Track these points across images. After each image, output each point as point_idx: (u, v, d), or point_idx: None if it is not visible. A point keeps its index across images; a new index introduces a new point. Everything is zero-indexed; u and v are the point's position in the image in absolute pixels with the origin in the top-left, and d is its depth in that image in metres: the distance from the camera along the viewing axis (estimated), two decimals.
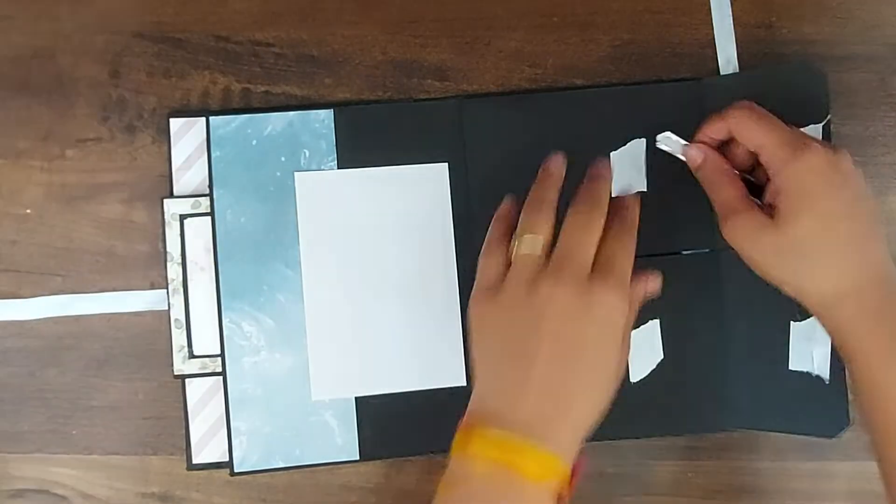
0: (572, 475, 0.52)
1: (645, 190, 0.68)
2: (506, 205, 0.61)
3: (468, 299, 0.60)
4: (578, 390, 0.52)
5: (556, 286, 0.53)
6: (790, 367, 0.68)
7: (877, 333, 0.55)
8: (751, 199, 0.59)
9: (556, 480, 0.50)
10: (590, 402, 0.53)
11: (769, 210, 0.57)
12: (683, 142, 0.64)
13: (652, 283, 0.59)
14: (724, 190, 0.60)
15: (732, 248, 0.60)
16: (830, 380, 0.68)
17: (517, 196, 0.61)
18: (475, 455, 0.50)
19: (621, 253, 0.55)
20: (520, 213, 0.58)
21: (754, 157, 0.60)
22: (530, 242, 0.55)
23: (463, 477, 0.51)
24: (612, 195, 0.59)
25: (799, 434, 0.68)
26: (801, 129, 0.61)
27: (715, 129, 0.61)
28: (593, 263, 0.54)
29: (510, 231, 0.58)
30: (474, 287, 0.58)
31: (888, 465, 0.55)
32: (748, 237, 0.58)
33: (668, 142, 0.65)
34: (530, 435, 0.50)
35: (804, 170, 0.55)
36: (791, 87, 0.69)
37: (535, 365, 0.52)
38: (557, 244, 0.55)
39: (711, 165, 0.61)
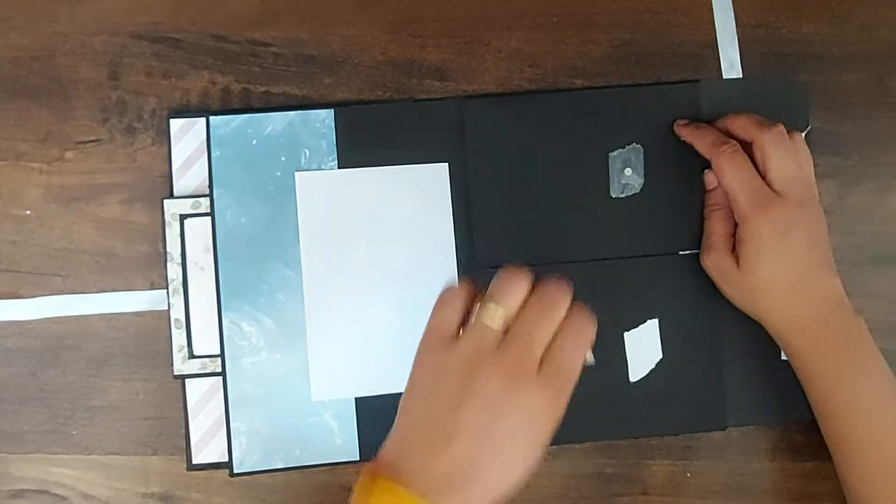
0: None
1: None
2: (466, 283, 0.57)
3: None
4: (487, 473, 0.52)
5: (498, 371, 0.52)
6: (781, 358, 0.69)
7: (822, 362, 0.64)
8: (731, 238, 0.67)
9: None
10: (495, 485, 0.52)
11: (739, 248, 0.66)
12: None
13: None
14: (713, 222, 0.68)
15: None
16: None
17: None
18: None
19: (572, 357, 0.54)
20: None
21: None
22: (493, 313, 0.53)
23: None
24: None
25: (792, 419, 0.70)
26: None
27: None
28: (543, 357, 0.53)
29: (474, 288, 0.56)
30: (426, 329, 0.56)
31: (838, 466, 0.65)
32: (718, 274, 0.67)
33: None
34: (431, 501, 0.50)
35: (761, 227, 0.64)
36: (774, 99, 0.71)
37: (456, 440, 0.52)
38: (513, 329, 0.53)
39: (718, 195, 0.68)
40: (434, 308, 0.56)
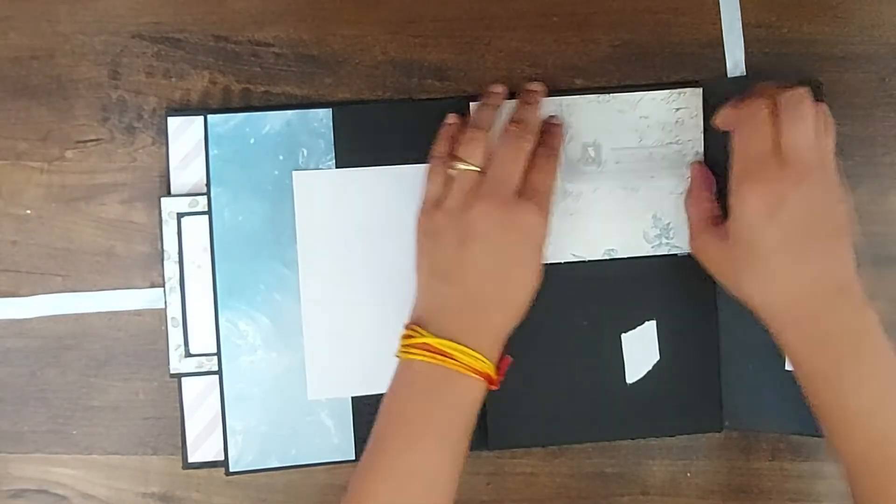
0: (500, 367, 0.61)
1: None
2: (450, 123, 0.67)
3: None
4: (500, 302, 0.61)
5: (486, 205, 0.61)
6: (785, 368, 0.68)
7: (819, 358, 0.58)
8: (710, 219, 0.65)
9: (483, 372, 0.59)
10: (510, 312, 0.61)
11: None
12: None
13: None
14: (689, 211, 0.67)
15: None
16: None
17: (460, 115, 0.67)
18: (416, 356, 0.60)
19: (544, 178, 0.64)
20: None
21: None
22: (465, 170, 0.63)
23: (407, 378, 0.61)
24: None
25: (793, 433, 0.69)
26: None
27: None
28: (521, 184, 0.62)
29: (452, 149, 0.64)
30: (421, 204, 0.65)
31: (845, 461, 0.58)
32: (706, 258, 0.65)
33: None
34: (460, 339, 0.59)
35: (747, 198, 0.59)
36: None
37: (465, 285, 0.60)
38: (490, 169, 0.62)
39: (692, 182, 0.68)
40: (425, 183, 0.65)
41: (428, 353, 0.59)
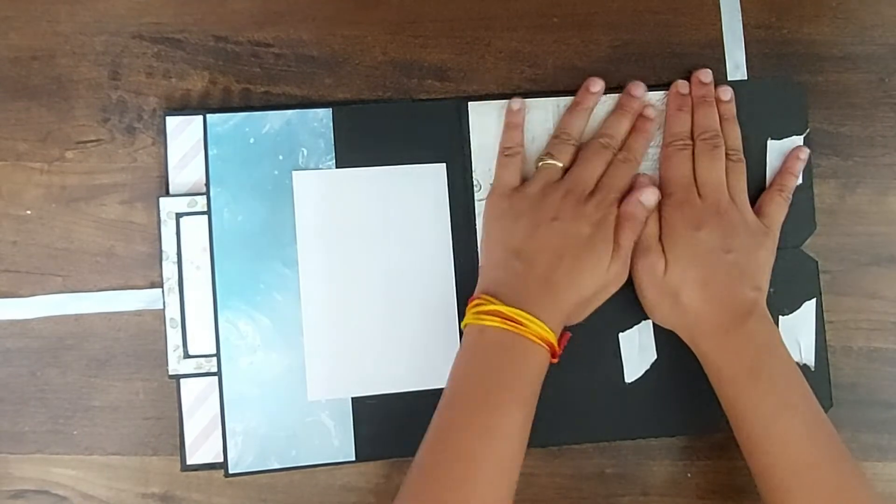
0: (560, 342, 0.64)
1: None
2: (515, 107, 0.70)
3: (465, 300, 0.65)
4: (568, 284, 0.64)
5: (564, 196, 0.66)
6: None
7: (729, 368, 0.64)
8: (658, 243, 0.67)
9: (549, 342, 0.62)
10: (576, 293, 0.64)
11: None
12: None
13: (646, 195, 0.68)
14: (624, 235, 0.67)
15: None
16: (815, 367, 0.69)
17: (522, 98, 0.70)
18: (487, 322, 0.62)
19: (618, 182, 0.67)
20: (525, 113, 0.70)
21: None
22: (552, 165, 0.68)
23: (479, 341, 0.63)
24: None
25: None
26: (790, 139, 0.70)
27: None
28: (595, 186, 0.67)
29: (522, 137, 0.70)
30: (494, 187, 0.69)
31: (752, 466, 0.63)
32: (645, 278, 0.67)
33: None
34: (529, 310, 0.62)
35: (675, 218, 0.67)
36: (773, 100, 0.71)
37: (536, 263, 0.64)
38: (572, 169, 0.68)
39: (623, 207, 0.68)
40: (497, 170, 0.70)
41: (499, 319, 0.62)
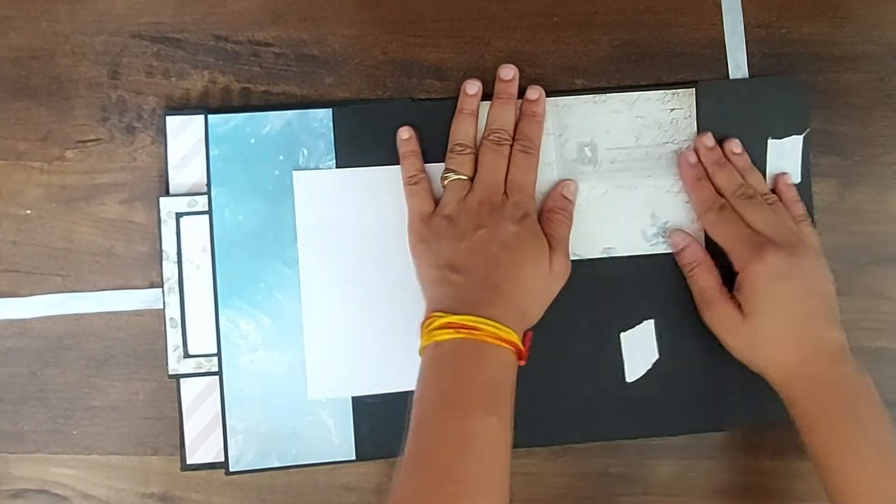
0: (524, 342, 0.62)
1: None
2: (405, 137, 0.69)
3: None
4: (514, 282, 0.63)
5: (481, 205, 0.65)
6: None
7: (820, 415, 0.62)
8: (723, 288, 0.67)
9: (511, 343, 0.61)
10: (526, 289, 0.64)
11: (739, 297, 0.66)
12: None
13: (567, 188, 0.69)
14: (701, 278, 0.68)
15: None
16: None
17: (410, 126, 0.69)
18: (440, 336, 0.61)
19: (523, 174, 0.67)
20: (419, 139, 0.69)
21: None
22: (457, 179, 0.67)
23: (437, 357, 0.61)
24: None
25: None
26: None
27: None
28: (505, 183, 0.67)
29: (421, 163, 0.69)
30: (408, 221, 0.68)
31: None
32: (721, 326, 0.67)
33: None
34: (480, 314, 0.60)
35: (762, 272, 0.64)
36: (773, 99, 0.71)
37: (475, 271, 0.63)
38: (477, 178, 0.67)
39: (690, 252, 0.69)
40: (407, 201, 0.68)
41: (452, 330, 0.60)
